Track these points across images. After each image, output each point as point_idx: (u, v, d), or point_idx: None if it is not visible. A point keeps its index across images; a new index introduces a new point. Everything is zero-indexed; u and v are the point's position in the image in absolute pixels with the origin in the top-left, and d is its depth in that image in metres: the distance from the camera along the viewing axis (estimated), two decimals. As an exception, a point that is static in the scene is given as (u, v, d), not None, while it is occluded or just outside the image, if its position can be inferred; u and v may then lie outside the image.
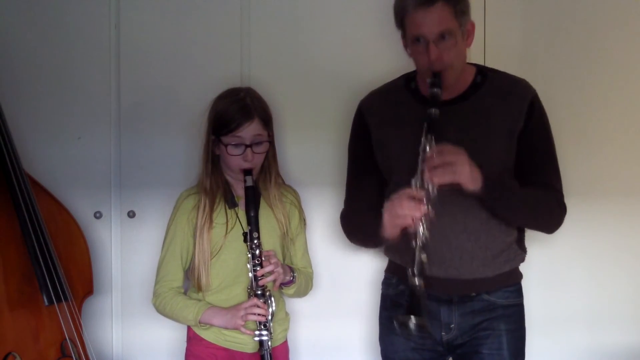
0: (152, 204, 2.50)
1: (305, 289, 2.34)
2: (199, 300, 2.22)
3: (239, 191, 2.23)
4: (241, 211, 2.21)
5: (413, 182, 1.91)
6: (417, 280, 1.88)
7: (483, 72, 2.13)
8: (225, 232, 2.21)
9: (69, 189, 2.45)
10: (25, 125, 2.41)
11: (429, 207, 1.88)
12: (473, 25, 2.08)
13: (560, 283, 2.55)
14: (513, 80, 2.12)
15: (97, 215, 2.51)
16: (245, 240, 2.15)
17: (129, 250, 2.53)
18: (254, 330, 2.14)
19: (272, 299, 2.16)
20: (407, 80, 2.19)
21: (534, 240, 2.25)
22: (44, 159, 2.45)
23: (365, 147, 2.17)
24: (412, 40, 2.01)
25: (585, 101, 2.54)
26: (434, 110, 1.94)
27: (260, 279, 2.13)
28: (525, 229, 2.19)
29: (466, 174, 1.91)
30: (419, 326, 1.86)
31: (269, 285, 2.17)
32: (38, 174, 2.34)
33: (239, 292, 2.21)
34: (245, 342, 2.21)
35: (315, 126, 2.55)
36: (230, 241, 2.21)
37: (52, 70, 2.49)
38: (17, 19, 2.46)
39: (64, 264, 2.25)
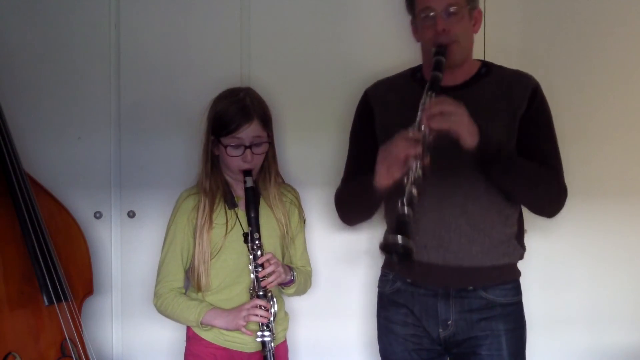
0: (152, 204, 2.50)
1: (304, 288, 2.35)
2: (200, 301, 2.22)
3: (239, 191, 2.24)
4: (241, 211, 2.21)
5: (410, 128, 1.91)
6: (406, 209, 1.85)
7: (488, 65, 2.19)
8: (225, 232, 2.21)
9: (69, 189, 2.45)
10: (25, 125, 2.41)
11: (425, 151, 1.87)
12: (480, 13, 2.15)
13: (560, 283, 2.55)
14: (517, 73, 2.17)
15: (97, 215, 2.51)
16: (245, 241, 2.15)
17: (129, 250, 2.53)
18: (256, 331, 2.14)
19: (275, 299, 2.16)
20: (413, 71, 2.23)
21: (534, 239, 2.25)
22: (44, 159, 2.46)
23: (367, 132, 2.16)
24: (420, 18, 2.08)
25: (586, 101, 2.54)
26: (437, 73, 1.98)
27: (262, 280, 2.13)
28: (525, 229, 2.19)
29: (464, 125, 1.91)
30: (404, 247, 1.81)
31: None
32: (38, 174, 2.34)
33: (239, 292, 2.21)
34: (245, 342, 2.21)
35: (315, 126, 2.55)
36: (230, 242, 2.21)
37: (52, 70, 2.49)
38: (17, 19, 2.46)
39: (64, 264, 2.25)
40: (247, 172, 2.16)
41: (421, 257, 2.09)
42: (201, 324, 2.17)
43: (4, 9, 2.45)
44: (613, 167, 2.53)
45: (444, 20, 2.03)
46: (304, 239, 2.38)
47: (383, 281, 2.26)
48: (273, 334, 2.14)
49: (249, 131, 2.15)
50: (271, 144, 2.25)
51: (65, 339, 2.22)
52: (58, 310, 2.20)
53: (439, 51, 2.02)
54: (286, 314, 2.35)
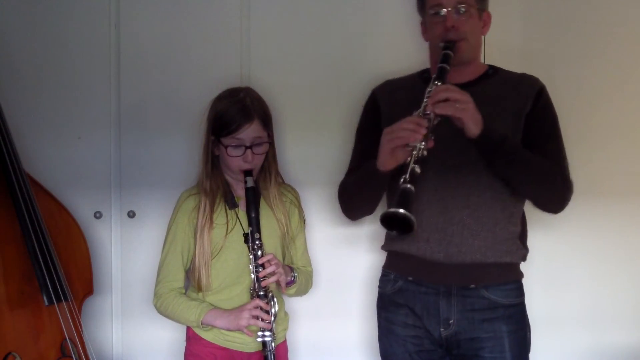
0: (152, 204, 2.50)
1: (305, 288, 2.34)
2: (201, 301, 2.22)
3: (239, 191, 2.23)
4: (241, 212, 2.21)
5: (415, 113, 1.93)
6: (408, 186, 1.85)
7: (495, 68, 2.22)
8: (226, 232, 2.21)
9: (69, 189, 2.45)
10: (25, 125, 2.41)
11: (429, 135, 1.88)
12: (489, 16, 2.18)
13: (561, 283, 2.55)
14: (523, 75, 2.19)
15: (97, 215, 2.51)
16: (246, 241, 2.14)
17: (129, 250, 2.53)
18: (256, 331, 2.13)
19: (275, 299, 2.16)
20: (421, 73, 2.25)
21: (535, 239, 2.25)
22: (44, 159, 2.45)
23: (373, 128, 2.16)
24: (430, 15, 2.12)
25: (586, 102, 2.54)
26: (444, 65, 2.00)
27: (263, 280, 2.13)
28: (528, 227, 2.19)
29: (469, 112, 1.92)
30: (405, 220, 1.80)
31: (272, 286, 2.17)
32: (38, 174, 2.34)
33: (239, 292, 2.21)
34: (246, 342, 2.21)
35: (314, 126, 2.55)
36: (230, 242, 2.21)
37: (52, 70, 2.49)
38: (17, 19, 2.46)
39: (64, 264, 2.25)
40: (247, 172, 2.15)
41: (423, 252, 2.10)
42: (202, 324, 2.17)
43: (4, 9, 2.45)
44: (613, 167, 2.53)
45: (454, 17, 2.08)
46: (305, 239, 2.38)
47: (384, 281, 2.26)
48: (274, 334, 2.14)
49: (250, 131, 2.14)
50: (271, 143, 2.25)
51: (65, 339, 2.22)
52: (58, 310, 2.20)
53: (447, 46, 2.05)
54: (286, 314, 2.35)
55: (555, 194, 2.10)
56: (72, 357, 2.22)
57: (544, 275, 2.50)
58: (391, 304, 2.20)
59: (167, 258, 2.24)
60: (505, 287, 2.12)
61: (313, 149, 2.55)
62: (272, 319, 2.13)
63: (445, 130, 1.94)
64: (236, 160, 2.16)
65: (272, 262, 2.13)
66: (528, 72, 2.21)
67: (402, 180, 1.85)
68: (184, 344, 2.30)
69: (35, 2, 2.47)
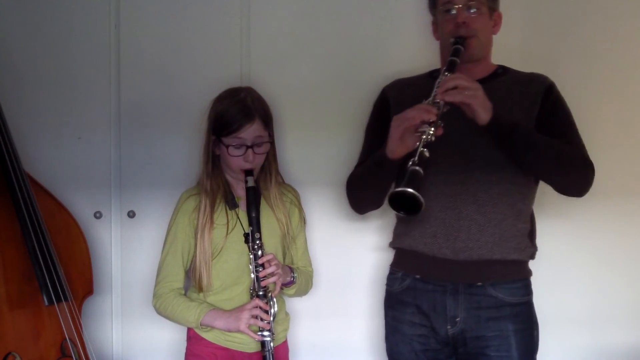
0: (152, 204, 2.50)
1: (305, 289, 2.34)
2: (201, 301, 2.21)
3: (239, 191, 2.23)
4: (242, 212, 2.21)
5: (425, 101, 1.95)
6: (417, 167, 1.85)
7: (504, 68, 2.23)
8: (226, 232, 2.20)
9: (69, 189, 2.45)
10: (25, 125, 2.41)
11: (438, 122, 1.89)
12: (500, 16, 2.20)
13: (561, 283, 2.55)
14: (533, 74, 2.20)
15: (97, 215, 2.51)
16: (246, 241, 2.14)
17: (129, 250, 2.53)
18: (256, 331, 2.13)
19: (275, 299, 2.15)
20: (432, 72, 2.25)
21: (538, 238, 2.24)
22: (44, 159, 2.45)
23: (382, 125, 2.16)
24: (441, 12, 2.13)
25: (586, 101, 2.52)
26: (454, 58, 2.02)
27: (263, 280, 2.13)
28: (536, 225, 2.19)
29: (479, 98, 1.93)
30: (413, 199, 1.79)
31: (271, 287, 2.17)
32: (38, 174, 2.34)
33: (240, 292, 2.21)
34: (246, 342, 2.20)
35: (314, 126, 2.55)
36: (231, 242, 2.21)
37: (52, 70, 2.49)
38: (17, 19, 2.46)
39: (64, 264, 2.25)
40: (248, 172, 2.15)
41: (431, 248, 2.10)
42: (201, 325, 2.17)
43: (4, 9, 2.45)
44: (613, 167, 2.52)
45: (465, 14, 2.09)
46: (305, 239, 2.37)
47: (391, 279, 2.26)
48: (273, 333, 2.14)
49: (251, 131, 2.14)
50: (272, 143, 2.25)
51: (65, 339, 2.22)
52: (58, 310, 2.20)
53: (458, 41, 2.07)
54: (287, 314, 2.35)
55: (577, 175, 2.08)
56: (72, 357, 2.22)
57: (543, 276, 2.48)
58: (398, 302, 2.21)
59: (167, 258, 2.24)
60: (513, 285, 2.12)
61: (313, 149, 2.55)
62: (272, 319, 2.13)
63: (454, 126, 1.95)
64: (237, 159, 2.16)
65: (273, 262, 2.13)
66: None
67: (410, 162, 1.85)
68: (184, 343, 2.30)
69: (35, 2, 2.47)
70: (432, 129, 1.88)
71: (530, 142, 2.00)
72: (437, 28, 2.21)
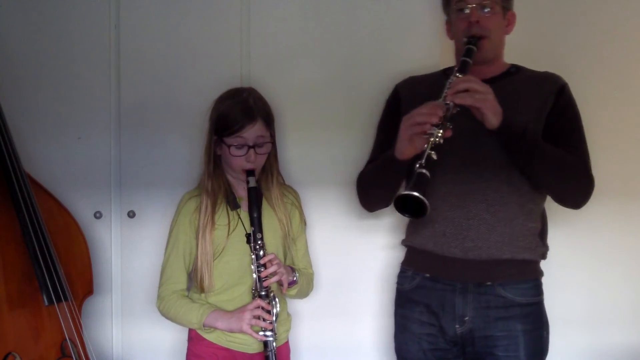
0: (152, 204, 2.50)
1: (306, 290, 2.34)
2: (203, 303, 2.21)
3: (240, 192, 2.23)
4: (243, 212, 2.21)
5: (434, 102, 1.95)
6: (424, 170, 1.85)
7: (517, 67, 2.23)
8: (228, 233, 2.20)
9: (69, 189, 2.45)
10: (25, 125, 2.41)
11: (447, 124, 1.89)
12: (514, 16, 2.20)
13: (560, 283, 2.54)
14: (546, 73, 2.20)
15: (97, 215, 2.51)
16: (248, 242, 2.14)
17: (129, 250, 2.53)
18: (258, 331, 2.13)
19: (277, 299, 2.15)
20: (445, 70, 2.25)
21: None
22: (44, 159, 2.45)
23: (394, 122, 2.15)
24: (455, 11, 2.14)
25: (586, 101, 2.52)
26: (466, 59, 2.02)
27: (265, 280, 2.13)
28: (548, 225, 2.19)
29: (488, 102, 1.93)
30: (418, 202, 1.79)
31: (274, 286, 2.17)
32: (38, 174, 2.34)
33: (241, 292, 2.21)
34: (248, 343, 2.20)
35: (315, 126, 2.55)
36: (232, 242, 2.20)
37: (52, 70, 2.48)
38: (17, 19, 2.46)
39: (64, 264, 2.25)
40: (250, 172, 2.15)
41: (440, 247, 2.11)
42: (203, 326, 2.17)
43: (4, 9, 2.45)
44: (613, 167, 2.53)
45: (478, 13, 2.10)
46: (306, 240, 2.37)
47: (402, 277, 2.26)
48: (275, 333, 2.14)
49: (253, 131, 2.14)
50: (273, 144, 2.25)
51: (65, 339, 2.22)
52: (58, 310, 2.20)
53: (471, 41, 2.07)
54: (289, 315, 2.35)
55: (577, 188, 2.09)
56: (72, 357, 2.22)
57: (544, 275, 2.49)
58: (408, 301, 2.21)
59: (169, 260, 2.24)
60: (523, 285, 2.12)
61: (313, 150, 2.55)
62: (274, 319, 2.13)
63: (464, 125, 1.95)
64: (239, 160, 2.16)
65: (274, 262, 2.13)
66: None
67: (417, 165, 1.85)
68: (184, 343, 2.30)
69: (35, 2, 2.47)
70: (441, 131, 1.87)
71: (535, 151, 2.00)
72: (450, 27, 2.21)
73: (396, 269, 2.31)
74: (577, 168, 2.07)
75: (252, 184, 2.14)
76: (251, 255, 2.14)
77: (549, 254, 2.21)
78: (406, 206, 1.82)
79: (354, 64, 2.55)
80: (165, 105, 2.53)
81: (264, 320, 2.11)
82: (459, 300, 2.11)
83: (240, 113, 2.15)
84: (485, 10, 2.10)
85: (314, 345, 2.55)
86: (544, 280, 2.20)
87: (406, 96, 2.23)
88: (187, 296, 2.25)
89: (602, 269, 2.57)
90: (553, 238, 2.22)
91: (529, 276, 2.15)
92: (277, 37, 2.55)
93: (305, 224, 2.38)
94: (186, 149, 2.48)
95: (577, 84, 2.28)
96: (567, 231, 2.48)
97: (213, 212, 2.21)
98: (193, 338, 2.26)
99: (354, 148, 2.48)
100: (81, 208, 2.46)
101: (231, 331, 2.16)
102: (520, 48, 2.35)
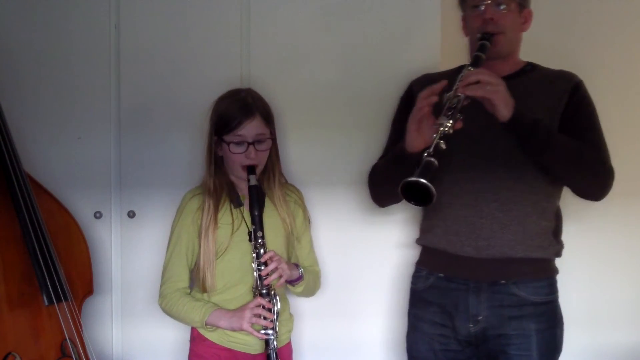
0: (153, 204, 2.50)
1: (313, 288, 2.34)
2: (205, 301, 2.21)
3: (244, 191, 2.22)
4: (246, 211, 2.21)
5: (445, 95, 1.94)
6: (432, 158, 1.84)
7: (533, 65, 2.21)
8: (232, 232, 2.20)
9: (69, 189, 2.45)
10: (25, 125, 2.41)
11: (457, 116, 1.88)
12: (531, 13, 2.18)
13: (560, 283, 2.54)
14: (561, 71, 2.19)
15: (97, 215, 2.50)
16: (250, 240, 2.15)
17: (129, 250, 2.53)
18: (259, 330, 2.13)
19: (277, 298, 2.15)
20: (459, 68, 2.20)
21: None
22: (44, 159, 2.45)
23: (407, 118, 2.13)
24: (470, 9, 2.13)
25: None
26: (480, 53, 2.02)
27: (265, 278, 2.13)
28: (563, 222, 2.19)
29: (500, 93, 1.92)
30: (425, 189, 1.77)
31: (274, 284, 2.16)
32: (38, 174, 2.34)
33: (244, 292, 2.21)
34: (250, 344, 2.20)
35: (316, 126, 2.55)
36: (236, 241, 2.20)
37: (53, 70, 2.48)
38: (17, 19, 2.46)
39: (64, 264, 2.24)
40: (250, 170, 2.16)
41: (453, 246, 2.11)
42: (205, 324, 2.17)
43: (4, 9, 2.45)
44: (628, 166, 2.50)
45: (493, 10, 2.08)
46: (310, 238, 2.37)
47: (416, 277, 2.26)
48: (276, 332, 2.14)
49: (251, 128, 2.15)
50: (274, 143, 2.25)
51: (65, 339, 2.22)
52: (58, 310, 2.20)
53: (484, 37, 2.07)
54: (291, 315, 2.35)
55: (594, 179, 2.07)
56: (72, 357, 2.22)
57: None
58: (421, 300, 2.21)
59: (171, 258, 2.24)
60: (537, 283, 2.11)
61: (315, 149, 2.54)
62: (275, 317, 2.13)
63: (476, 123, 1.94)
64: (239, 157, 2.16)
65: (274, 259, 2.13)
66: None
67: (425, 153, 1.84)
68: (184, 343, 2.30)
69: (35, 2, 2.47)
70: (450, 121, 1.87)
71: (549, 143, 1.99)
72: (466, 24, 2.20)
73: (401, 268, 2.32)
74: (593, 158, 2.05)
75: (253, 182, 2.14)
76: (252, 254, 2.14)
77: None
78: (413, 194, 1.80)
79: (354, 64, 2.54)
80: (166, 105, 2.52)
81: (265, 318, 2.11)
82: (472, 300, 2.10)
83: (238, 110, 2.16)
84: (501, 7, 2.09)
85: (316, 346, 2.54)
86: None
87: (420, 92, 2.22)
88: (190, 294, 2.25)
89: (601, 269, 2.57)
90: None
91: (543, 274, 2.14)
92: (277, 38, 2.55)
93: (309, 222, 2.37)
94: (186, 149, 2.48)
95: (592, 82, 2.26)
96: (567, 231, 2.46)
97: (216, 212, 2.21)
98: (195, 338, 2.26)
99: (356, 147, 2.48)
100: (81, 208, 2.46)
101: (232, 330, 2.16)
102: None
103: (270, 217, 2.23)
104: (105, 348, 2.51)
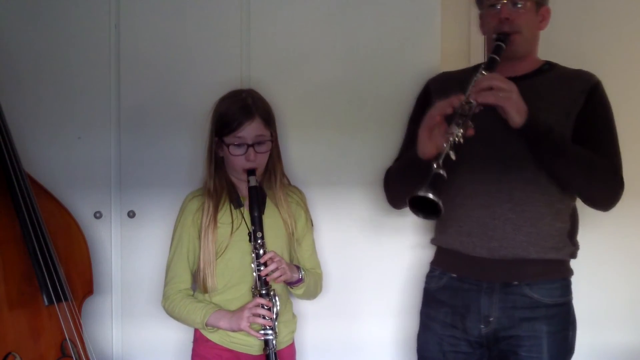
0: (152, 204, 2.50)
1: (314, 290, 2.33)
2: (207, 302, 2.21)
3: (244, 192, 2.22)
4: (247, 211, 2.21)
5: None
6: (441, 171, 1.84)
7: (551, 64, 2.20)
8: (231, 231, 2.21)
9: (69, 189, 2.45)
10: (25, 125, 2.41)
11: (469, 123, 1.88)
12: (548, 11, 2.16)
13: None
14: (579, 71, 2.17)
15: (97, 215, 2.50)
16: (250, 240, 2.14)
17: (129, 250, 2.52)
18: (259, 331, 2.13)
19: (277, 298, 2.15)
20: (477, 66, 2.19)
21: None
22: (44, 159, 2.45)
23: (423, 116, 2.13)
24: (487, 8, 2.12)
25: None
26: (494, 56, 2.01)
27: (265, 279, 2.12)
28: (579, 224, 2.19)
29: (512, 101, 1.91)
30: (432, 203, 1.78)
31: (278, 287, 2.17)
32: (38, 174, 2.34)
33: (244, 292, 2.21)
34: (251, 344, 2.21)
35: (317, 127, 2.54)
36: (235, 241, 2.21)
37: (52, 70, 2.48)
38: (17, 18, 2.46)
39: (64, 264, 2.25)
40: (250, 172, 2.16)
41: (466, 247, 2.10)
42: (206, 325, 2.17)
43: (4, 9, 2.45)
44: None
45: (509, 10, 2.07)
46: (313, 241, 2.36)
47: (430, 277, 2.26)
48: (276, 332, 2.13)
49: (251, 129, 2.15)
50: (276, 144, 2.25)
51: (65, 339, 2.22)
52: (58, 310, 2.20)
53: (500, 38, 2.05)
54: (294, 316, 2.35)
55: (604, 190, 2.07)
56: (72, 357, 2.22)
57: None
58: (433, 300, 2.21)
59: (173, 260, 2.24)
60: (550, 285, 2.10)
61: (316, 150, 2.54)
62: (274, 317, 2.13)
63: (489, 124, 1.94)
64: (239, 159, 2.16)
65: (274, 260, 2.13)
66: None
67: (435, 165, 1.84)
68: (185, 343, 2.30)
69: (36, 2, 2.47)
70: (461, 130, 1.86)
71: (561, 151, 1.99)
72: (483, 22, 2.19)
73: (404, 269, 2.31)
74: (605, 170, 2.05)
75: (253, 183, 2.14)
76: (252, 254, 2.14)
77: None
78: (421, 206, 1.81)
79: (354, 65, 2.54)
80: (166, 105, 2.52)
81: (264, 318, 2.11)
82: (484, 301, 2.10)
83: (238, 111, 2.16)
84: (517, 5, 2.07)
85: (320, 347, 2.53)
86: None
87: (437, 92, 2.21)
88: (192, 295, 2.25)
89: (601, 269, 2.57)
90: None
91: (557, 276, 2.12)
92: (277, 38, 2.54)
93: (312, 224, 2.37)
94: (186, 149, 2.48)
95: (610, 81, 2.24)
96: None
97: (215, 213, 2.21)
98: (198, 339, 2.26)
99: (357, 147, 2.48)
100: (81, 208, 2.46)
101: (232, 330, 2.16)
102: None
103: (271, 218, 2.23)
104: (105, 348, 2.51)
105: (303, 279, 2.24)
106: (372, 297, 2.52)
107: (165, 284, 2.25)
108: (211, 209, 2.20)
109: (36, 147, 2.44)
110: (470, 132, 1.88)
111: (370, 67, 2.52)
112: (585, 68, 2.19)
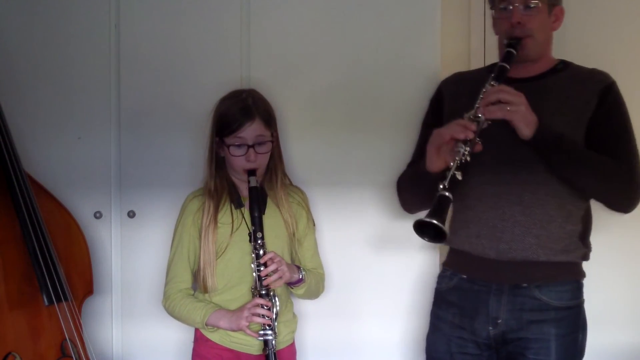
0: (153, 204, 2.50)
1: (316, 290, 2.33)
2: (207, 302, 2.22)
3: (245, 192, 2.22)
4: (247, 211, 2.21)
5: (465, 115, 1.93)
6: (446, 193, 1.84)
7: (566, 63, 2.17)
8: (231, 231, 2.21)
9: (69, 189, 2.45)
10: (25, 125, 2.41)
11: (476, 139, 1.88)
12: (562, 11, 2.13)
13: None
14: (593, 70, 2.14)
15: (97, 215, 2.50)
16: (251, 240, 2.15)
17: (129, 250, 2.52)
18: (258, 331, 2.13)
19: (277, 298, 2.15)
20: (491, 66, 2.19)
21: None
22: (44, 159, 2.45)
23: (436, 120, 2.15)
24: (499, 9, 2.09)
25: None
26: (504, 64, 1.99)
27: (265, 279, 2.12)
28: (591, 226, 2.17)
29: (520, 114, 1.91)
30: (437, 229, 1.80)
31: (279, 288, 2.17)
32: (38, 174, 2.34)
33: (244, 292, 2.21)
34: (251, 344, 2.21)
35: (318, 127, 2.54)
36: (235, 241, 2.21)
37: (52, 70, 2.48)
38: (17, 19, 2.46)
39: (64, 264, 2.25)
40: (251, 172, 2.16)
41: (475, 249, 2.10)
42: (206, 325, 2.17)
43: (4, 9, 2.45)
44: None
45: (521, 13, 2.04)
46: (314, 241, 2.36)
47: (441, 277, 2.25)
48: (275, 333, 2.13)
49: (251, 130, 2.15)
50: (277, 144, 2.25)
51: (65, 339, 2.22)
52: (58, 310, 2.20)
53: (511, 43, 2.03)
54: (294, 316, 2.35)
55: (620, 195, 2.06)
56: (72, 357, 2.22)
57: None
58: (443, 301, 2.21)
59: (174, 259, 2.25)
60: (560, 287, 2.08)
61: (317, 150, 2.53)
62: (274, 317, 2.13)
63: (500, 126, 1.93)
64: (239, 159, 2.16)
65: (275, 260, 2.13)
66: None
67: (441, 186, 1.85)
68: (185, 343, 2.30)
69: (35, 2, 2.47)
70: (467, 149, 1.86)
71: (571, 159, 1.98)
72: (495, 23, 2.16)
73: (407, 269, 2.30)
74: (620, 175, 2.03)
75: (253, 183, 2.14)
76: (252, 255, 2.14)
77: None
78: (426, 229, 1.84)
79: (355, 66, 2.54)
80: (165, 105, 2.52)
81: (264, 317, 2.11)
82: (493, 302, 2.09)
83: (238, 112, 2.16)
84: (530, 7, 2.04)
85: (320, 347, 2.53)
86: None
87: (450, 94, 2.20)
88: (193, 295, 2.25)
89: (601, 269, 2.55)
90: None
91: (567, 278, 2.10)
92: (277, 38, 2.54)
93: (314, 224, 2.37)
94: (186, 149, 2.48)
95: (626, 82, 2.21)
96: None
97: (216, 213, 2.21)
98: (198, 339, 2.26)
99: (357, 147, 2.48)
100: (81, 208, 2.46)
101: (232, 330, 2.16)
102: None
103: (272, 218, 2.23)
104: (105, 348, 2.51)
105: (304, 279, 2.23)
106: (373, 297, 2.52)
107: (166, 284, 2.26)
108: (211, 209, 2.21)
109: (36, 147, 2.44)
110: (478, 147, 1.89)
111: (371, 68, 2.52)
112: (600, 67, 2.15)
